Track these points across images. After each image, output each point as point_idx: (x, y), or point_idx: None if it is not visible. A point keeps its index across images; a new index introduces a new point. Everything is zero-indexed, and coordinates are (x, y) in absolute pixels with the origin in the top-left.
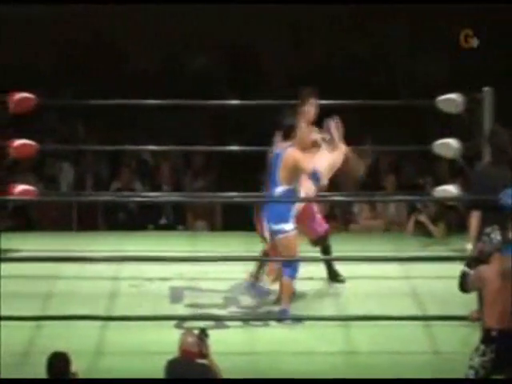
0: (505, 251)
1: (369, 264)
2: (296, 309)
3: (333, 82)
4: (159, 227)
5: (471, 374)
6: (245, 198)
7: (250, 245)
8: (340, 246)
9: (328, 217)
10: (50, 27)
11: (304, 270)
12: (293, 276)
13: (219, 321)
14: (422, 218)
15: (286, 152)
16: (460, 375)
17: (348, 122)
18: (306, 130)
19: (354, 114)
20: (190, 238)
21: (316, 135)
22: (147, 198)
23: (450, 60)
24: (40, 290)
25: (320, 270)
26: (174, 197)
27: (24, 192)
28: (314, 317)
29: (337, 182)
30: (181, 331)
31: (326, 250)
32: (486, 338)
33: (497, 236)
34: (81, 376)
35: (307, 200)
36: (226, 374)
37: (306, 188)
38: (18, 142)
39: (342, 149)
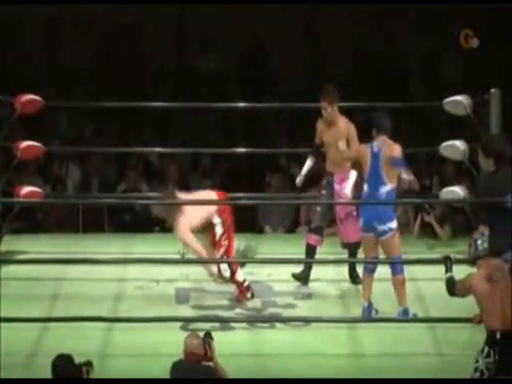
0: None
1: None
2: (302, 311)
3: (344, 82)
4: (165, 229)
5: (476, 376)
6: (250, 200)
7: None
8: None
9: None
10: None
11: (311, 271)
12: (403, 272)
13: (225, 322)
14: (429, 219)
15: (387, 149)
16: (464, 377)
17: (355, 123)
18: None
19: (362, 115)
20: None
21: None
22: (153, 199)
23: (463, 61)
24: (46, 292)
25: (327, 271)
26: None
27: (30, 194)
28: (320, 318)
29: None
30: (186, 333)
31: (352, 255)
32: (491, 340)
33: (484, 243)
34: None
35: (322, 202)
36: (231, 376)
37: None
38: (25, 144)
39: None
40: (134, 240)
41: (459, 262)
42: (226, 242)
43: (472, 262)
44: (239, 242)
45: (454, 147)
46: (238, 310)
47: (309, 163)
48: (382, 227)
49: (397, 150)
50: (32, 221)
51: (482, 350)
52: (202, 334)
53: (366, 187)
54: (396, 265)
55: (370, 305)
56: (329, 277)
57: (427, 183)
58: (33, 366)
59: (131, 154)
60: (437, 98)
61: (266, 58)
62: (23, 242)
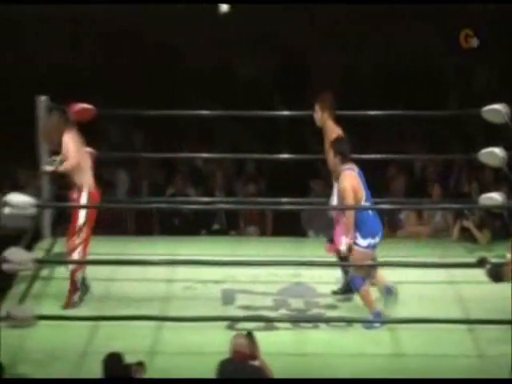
0: None
1: (415, 269)
2: (344, 311)
3: (380, 90)
4: (212, 232)
5: None
6: (295, 205)
7: (298, 250)
8: (387, 251)
9: None
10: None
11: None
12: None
13: (269, 322)
14: (468, 224)
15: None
16: (504, 377)
17: (395, 132)
18: None
19: (402, 123)
20: (241, 242)
21: None
22: (200, 204)
23: (500, 69)
24: (97, 292)
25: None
26: (226, 203)
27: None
28: (362, 319)
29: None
30: (232, 332)
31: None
32: None
33: None
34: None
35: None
36: (276, 375)
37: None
38: (78, 107)
39: None
40: (182, 242)
41: (496, 265)
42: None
43: None
44: None
45: (493, 154)
46: (283, 311)
47: None
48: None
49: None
50: None
51: None
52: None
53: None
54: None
55: (379, 313)
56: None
57: (466, 189)
58: (84, 364)
59: (178, 160)
60: (471, 107)
61: (305, 66)
62: None
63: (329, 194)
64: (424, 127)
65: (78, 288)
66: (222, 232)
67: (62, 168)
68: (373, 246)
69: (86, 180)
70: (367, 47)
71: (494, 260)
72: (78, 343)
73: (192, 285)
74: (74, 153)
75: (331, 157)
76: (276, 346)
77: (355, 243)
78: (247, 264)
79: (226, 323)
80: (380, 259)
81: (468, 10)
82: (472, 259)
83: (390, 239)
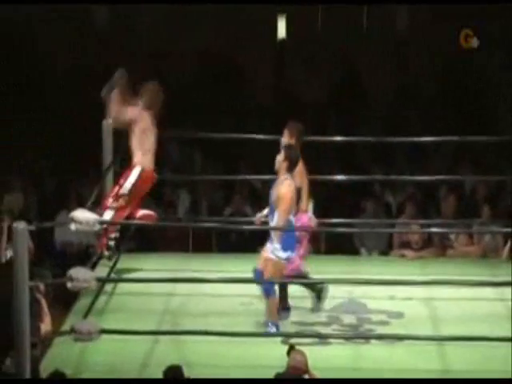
0: None
1: (466, 287)
2: (395, 328)
3: (432, 112)
4: None
5: None
6: (346, 226)
7: (351, 267)
8: (438, 270)
9: (426, 243)
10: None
11: (402, 290)
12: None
13: (323, 338)
14: None
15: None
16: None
17: (445, 154)
18: None
19: (453, 145)
20: None
21: None
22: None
23: None
24: (158, 307)
25: (419, 290)
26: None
27: (145, 216)
28: (413, 336)
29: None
30: (287, 347)
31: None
32: None
33: None
34: None
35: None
36: None
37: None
38: None
39: None
40: (240, 259)
41: None
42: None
43: None
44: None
45: None
46: (335, 326)
47: None
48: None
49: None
50: (146, 241)
51: None
52: (298, 347)
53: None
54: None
55: (277, 325)
56: (421, 296)
57: None
58: (144, 377)
59: (237, 181)
60: None
61: (360, 88)
62: (138, 260)
63: (380, 214)
64: (475, 149)
65: (109, 247)
66: None
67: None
68: (289, 260)
69: (143, 159)
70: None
71: None
72: (138, 356)
73: (249, 300)
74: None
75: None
76: (329, 361)
77: (276, 255)
78: (302, 282)
79: (280, 338)
80: (426, 277)
81: None
82: None
83: (441, 259)
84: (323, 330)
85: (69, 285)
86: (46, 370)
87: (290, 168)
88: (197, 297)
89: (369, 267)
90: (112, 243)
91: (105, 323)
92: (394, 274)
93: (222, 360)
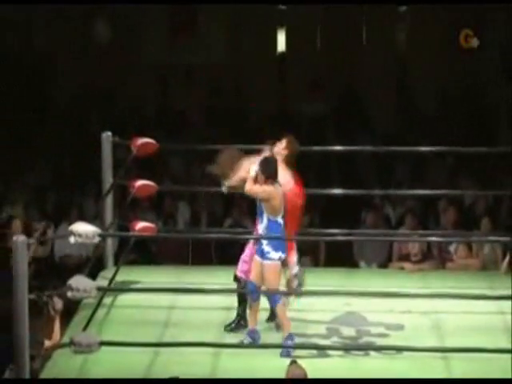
0: None
1: (465, 300)
2: (395, 340)
3: (434, 123)
4: None
5: None
6: (346, 236)
7: (350, 280)
8: (437, 282)
9: (426, 255)
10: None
11: (401, 303)
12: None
13: (322, 350)
14: None
15: None
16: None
17: (445, 166)
18: None
19: (452, 158)
20: None
21: None
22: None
23: None
24: (157, 319)
25: (418, 303)
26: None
27: (145, 229)
28: (414, 348)
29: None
30: (287, 359)
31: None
32: None
33: None
34: None
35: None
36: None
37: None
38: (140, 183)
39: None
40: None
41: None
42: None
43: None
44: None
45: None
46: (335, 339)
47: None
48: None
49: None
50: (146, 253)
51: None
52: (299, 361)
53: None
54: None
55: (255, 332)
56: (420, 309)
57: None
58: None
59: (236, 192)
60: None
61: (360, 103)
62: (138, 272)
63: (380, 225)
64: (475, 162)
65: None
66: None
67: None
68: (282, 260)
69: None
70: (420, 83)
71: None
72: (138, 368)
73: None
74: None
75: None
76: (328, 373)
77: (268, 257)
78: (301, 294)
79: (280, 350)
80: (426, 290)
81: None
82: None
83: (440, 271)
84: (322, 342)
85: (69, 294)
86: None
87: (268, 181)
88: (197, 309)
89: (368, 280)
90: None
91: (105, 335)
92: (393, 287)
93: (223, 372)
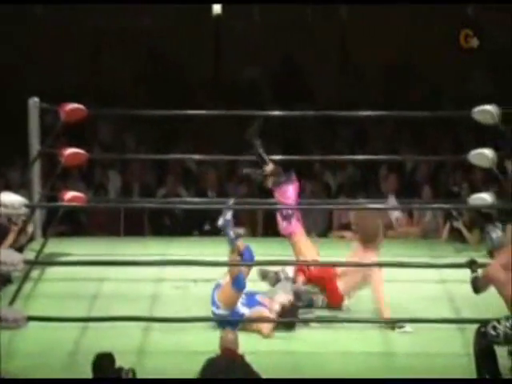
0: None
1: (406, 269)
2: (336, 311)
3: (375, 93)
4: (203, 233)
5: (491, 333)
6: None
7: (288, 250)
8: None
9: None
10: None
11: None
12: None
13: (261, 322)
14: (457, 224)
15: None
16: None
17: (386, 133)
18: None
19: (393, 125)
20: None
21: None
22: (192, 204)
23: (494, 72)
24: (88, 292)
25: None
26: (218, 203)
27: (74, 198)
28: (354, 319)
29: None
30: (218, 332)
31: None
32: None
33: (498, 235)
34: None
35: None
36: (265, 374)
37: None
38: (69, 151)
39: None
40: (173, 243)
41: (475, 277)
42: None
43: (489, 254)
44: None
45: (483, 155)
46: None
47: None
48: None
49: None
50: (75, 224)
51: (507, 318)
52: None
53: None
54: None
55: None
56: None
57: (456, 190)
58: (73, 365)
59: (170, 161)
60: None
61: (301, 70)
62: (67, 244)
63: (320, 194)
64: (416, 128)
65: None
66: (214, 232)
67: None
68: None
69: None
70: (362, 50)
71: (482, 261)
72: (67, 343)
73: (182, 285)
74: None
75: None
76: (266, 345)
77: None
78: (237, 264)
79: (215, 323)
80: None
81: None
82: (461, 259)
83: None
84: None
85: None
86: None
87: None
88: (128, 281)
89: None
90: None
91: (32, 310)
92: (333, 256)
93: (155, 347)
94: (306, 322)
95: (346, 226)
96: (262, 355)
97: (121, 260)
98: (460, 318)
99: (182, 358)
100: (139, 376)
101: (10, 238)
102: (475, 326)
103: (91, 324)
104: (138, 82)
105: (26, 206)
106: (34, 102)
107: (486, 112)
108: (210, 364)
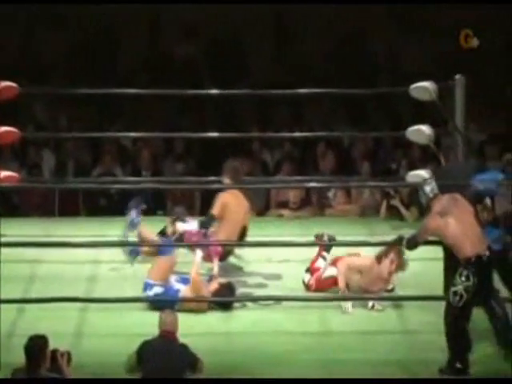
0: None
1: (345, 247)
2: (272, 290)
3: (313, 69)
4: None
5: (456, 300)
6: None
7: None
8: (317, 229)
9: (304, 201)
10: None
11: (280, 253)
12: None
13: (198, 302)
14: (395, 202)
15: None
16: (430, 354)
17: (324, 110)
18: None
19: (330, 102)
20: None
21: None
22: (127, 183)
23: (431, 47)
24: (22, 274)
25: (297, 252)
26: (153, 182)
27: (7, 178)
28: (289, 297)
29: None
30: (157, 313)
31: None
32: (467, 263)
33: (430, 185)
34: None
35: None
36: (202, 355)
37: None
38: (2, 129)
39: None
40: (109, 223)
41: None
42: None
43: (427, 209)
44: None
45: (420, 132)
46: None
47: None
48: None
49: None
50: (9, 205)
51: (460, 274)
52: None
53: None
54: None
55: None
56: (299, 258)
57: (394, 167)
58: (9, 347)
59: (105, 140)
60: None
61: (238, 47)
62: (0, 225)
63: (257, 173)
64: (353, 105)
65: None
66: (149, 212)
67: None
68: None
69: None
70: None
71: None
72: (3, 326)
73: (119, 266)
74: None
75: None
76: (202, 325)
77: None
78: (172, 245)
79: (148, 304)
80: (305, 238)
81: None
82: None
83: (319, 217)
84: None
85: None
86: None
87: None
88: (64, 263)
89: None
90: None
91: None
92: (271, 235)
93: (92, 328)
94: (241, 301)
95: (284, 204)
96: (198, 336)
97: (56, 241)
98: (397, 295)
99: (119, 339)
100: (75, 358)
101: None
102: (412, 304)
103: (27, 306)
104: (72, 61)
105: None
106: None
107: (423, 89)
108: (147, 345)
